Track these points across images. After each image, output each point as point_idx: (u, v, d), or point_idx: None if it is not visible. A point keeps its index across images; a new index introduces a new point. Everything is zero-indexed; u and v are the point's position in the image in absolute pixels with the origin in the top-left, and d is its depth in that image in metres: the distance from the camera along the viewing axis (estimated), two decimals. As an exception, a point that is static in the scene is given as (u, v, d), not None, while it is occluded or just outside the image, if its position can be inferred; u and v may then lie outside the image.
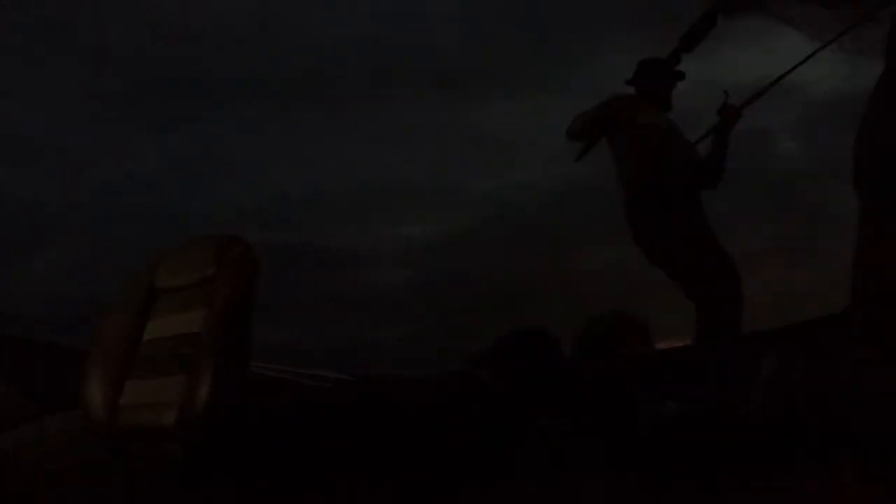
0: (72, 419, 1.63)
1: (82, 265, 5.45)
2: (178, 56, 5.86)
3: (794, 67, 3.23)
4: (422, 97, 6.18)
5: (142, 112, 5.92)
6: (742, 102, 3.27)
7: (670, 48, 3.37)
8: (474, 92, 6.25)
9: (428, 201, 6.53)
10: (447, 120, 6.32)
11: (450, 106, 6.21)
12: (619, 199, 3.31)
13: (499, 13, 6.31)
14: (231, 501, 1.59)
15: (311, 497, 1.82)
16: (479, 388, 2.84)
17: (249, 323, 1.58)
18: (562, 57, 5.95)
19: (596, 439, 2.39)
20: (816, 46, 3.13)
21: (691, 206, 3.22)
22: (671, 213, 3.17)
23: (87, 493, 1.52)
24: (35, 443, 1.68)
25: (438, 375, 3.11)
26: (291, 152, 6.30)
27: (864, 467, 1.52)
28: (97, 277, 5.46)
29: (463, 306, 5.71)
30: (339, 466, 1.95)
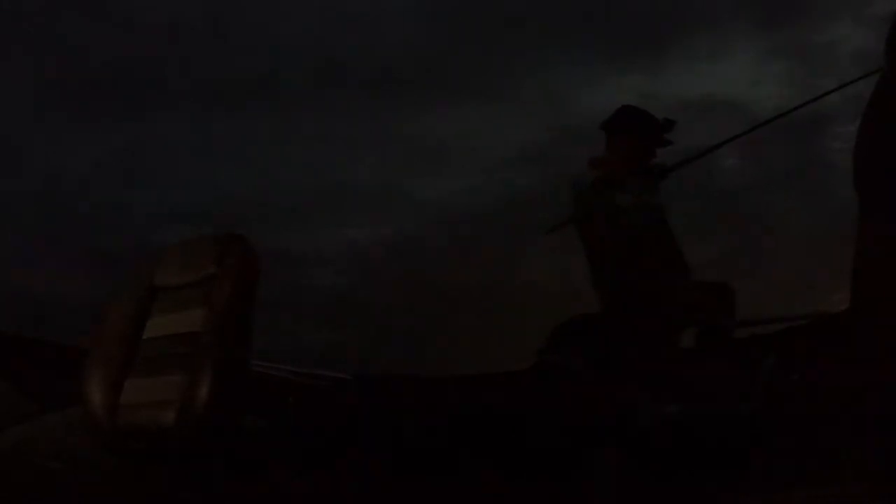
0: (72, 418, 1.63)
1: (8, 260, 5.38)
2: (125, 52, 5.84)
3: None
4: (369, 99, 6.20)
5: (85, 106, 5.87)
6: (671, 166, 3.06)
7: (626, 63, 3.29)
8: (421, 96, 6.27)
9: (371, 205, 6.53)
10: (393, 123, 6.32)
11: (396, 109, 6.22)
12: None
13: (448, 19, 6.31)
14: (231, 501, 1.59)
15: (314, 497, 1.82)
16: (568, 378, 2.73)
17: (249, 323, 1.58)
18: (511, 65, 5.96)
19: (597, 440, 2.39)
20: None
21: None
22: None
23: (86, 493, 1.52)
24: (35, 442, 1.68)
25: (518, 373, 3.02)
26: (237, 152, 6.28)
27: (864, 467, 1.52)
28: (28, 273, 5.42)
29: (405, 310, 5.72)
30: (342, 466, 1.95)
